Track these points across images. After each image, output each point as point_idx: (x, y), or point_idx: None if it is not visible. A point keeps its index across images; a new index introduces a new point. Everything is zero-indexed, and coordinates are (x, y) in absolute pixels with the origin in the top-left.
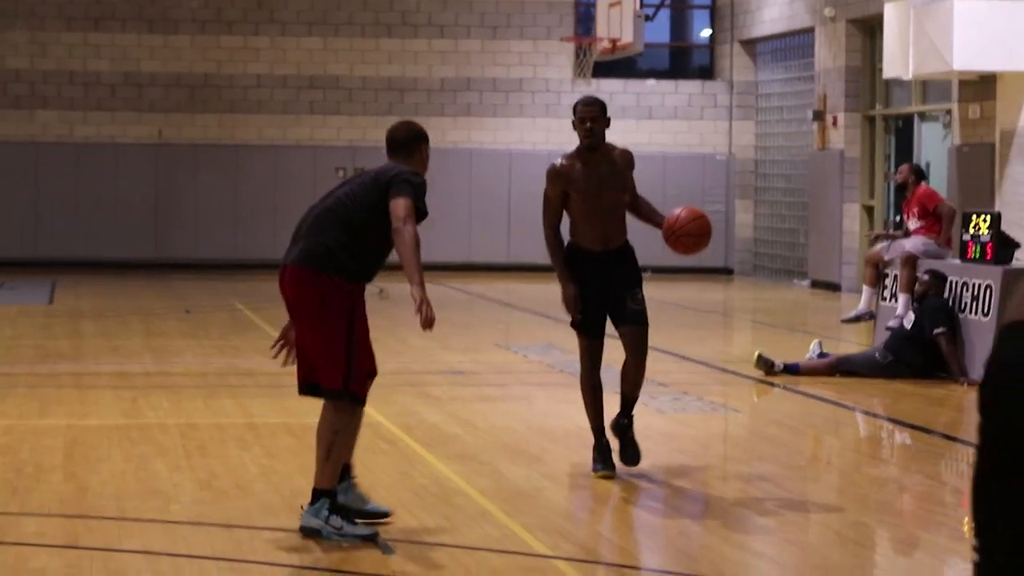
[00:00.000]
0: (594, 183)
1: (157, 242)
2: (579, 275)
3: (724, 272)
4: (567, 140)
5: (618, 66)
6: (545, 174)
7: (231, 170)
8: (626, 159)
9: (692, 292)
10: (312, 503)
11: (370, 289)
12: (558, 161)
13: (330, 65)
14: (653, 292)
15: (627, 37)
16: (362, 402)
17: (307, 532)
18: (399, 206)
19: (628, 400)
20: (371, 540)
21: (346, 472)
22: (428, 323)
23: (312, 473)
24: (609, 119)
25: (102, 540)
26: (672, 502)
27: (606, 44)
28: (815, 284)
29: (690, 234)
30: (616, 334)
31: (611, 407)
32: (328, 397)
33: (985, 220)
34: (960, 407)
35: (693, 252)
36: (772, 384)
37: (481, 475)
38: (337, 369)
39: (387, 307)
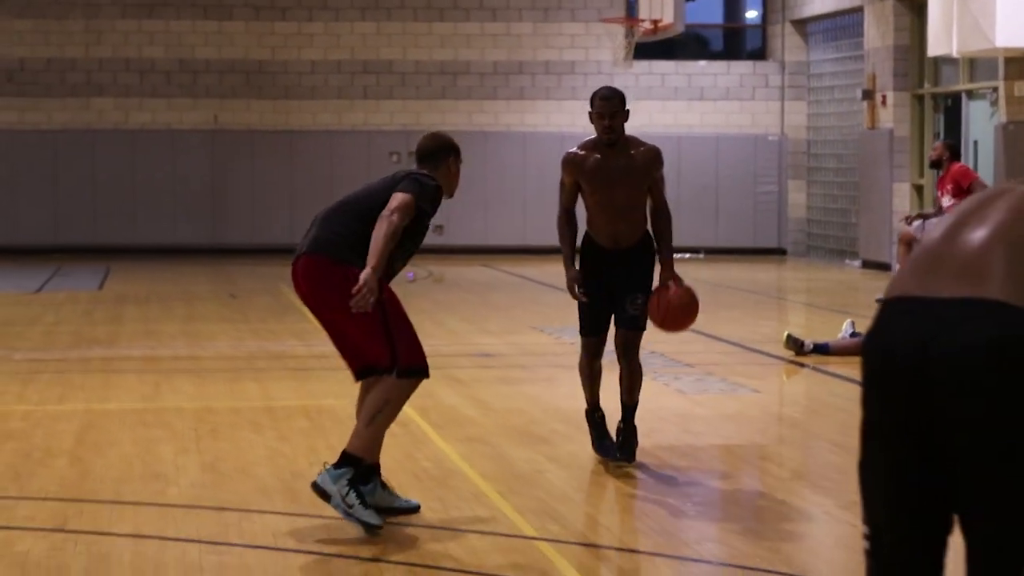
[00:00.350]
0: (608, 177)
1: (214, 228)
2: (588, 269)
3: (778, 252)
4: None
5: (670, 47)
6: (560, 161)
7: (286, 156)
8: (648, 158)
9: (744, 273)
10: (337, 466)
11: (419, 271)
12: (574, 149)
13: (383, 50)
14: (705, 273)
15: (668, 18)
16: (422, 373)
17: (318, 492)
18: (396, 199)
19: (627, 408)
20: (374, 529)
21: (372, 472)
22: (364, 305)
23: (319, 456)
24: (628, 111)
25: (92, 523)
26: (672, 484)
27: (648, 25)
28: (866, 264)
29: (676, 320)
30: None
31: (609, 394)
32: (381, 374)
33: None
34: None
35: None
36: (801, 364)
37: (485, 457)
38: (383, 349)
39: (431, 291)
